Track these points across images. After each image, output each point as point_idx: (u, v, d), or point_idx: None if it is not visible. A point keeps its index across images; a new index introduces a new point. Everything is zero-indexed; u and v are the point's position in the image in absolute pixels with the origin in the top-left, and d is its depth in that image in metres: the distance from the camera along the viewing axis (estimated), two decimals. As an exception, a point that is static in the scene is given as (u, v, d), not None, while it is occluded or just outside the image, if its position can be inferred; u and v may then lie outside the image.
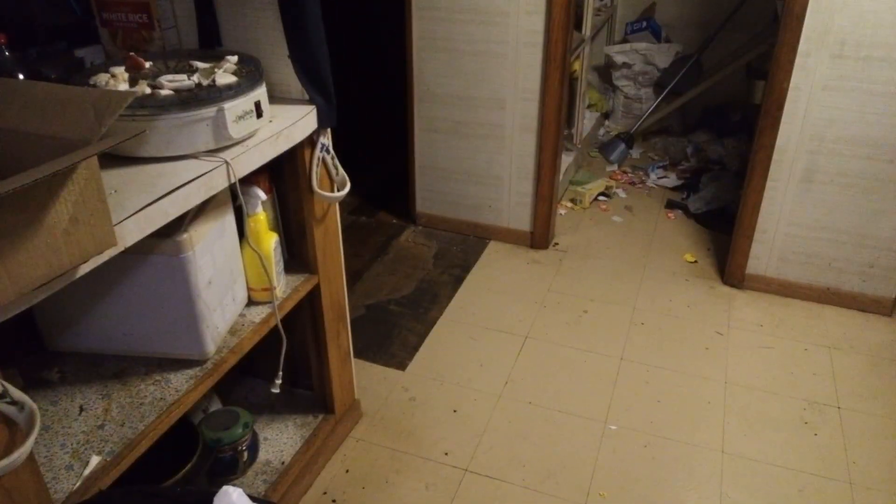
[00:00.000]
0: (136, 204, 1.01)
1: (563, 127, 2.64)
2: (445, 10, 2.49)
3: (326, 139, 1.49)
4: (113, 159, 1.13)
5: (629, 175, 3.44)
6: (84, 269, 0.91)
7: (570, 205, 3.14)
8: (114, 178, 1.09)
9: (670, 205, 3.16)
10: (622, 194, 3.27)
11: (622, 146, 3.59)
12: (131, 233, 0.98)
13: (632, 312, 2.43)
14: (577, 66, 3.11)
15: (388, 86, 3.37)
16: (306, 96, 1.42)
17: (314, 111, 1.42)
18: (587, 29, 3.12)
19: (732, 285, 2.57)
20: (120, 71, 1.25)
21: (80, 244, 0.86)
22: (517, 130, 2.62)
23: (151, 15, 1.44)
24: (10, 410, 0.90)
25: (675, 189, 3.29)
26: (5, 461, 0.87)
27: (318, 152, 1.47)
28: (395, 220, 3.04)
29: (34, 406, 0.90)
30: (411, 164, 2.86)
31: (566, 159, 3.18)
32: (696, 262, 2.73)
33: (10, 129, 0.90)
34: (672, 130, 3.83)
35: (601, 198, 3.21)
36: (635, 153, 3.67)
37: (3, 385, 0.88)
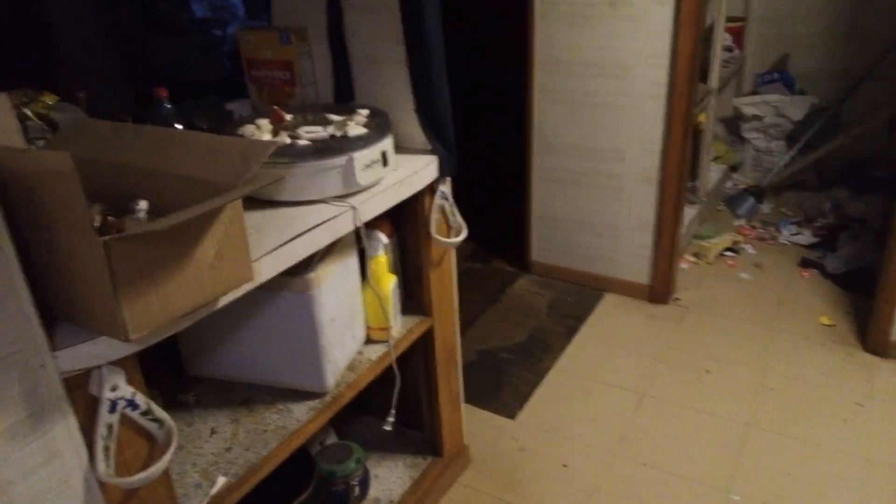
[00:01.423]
0: (272, 243, 1.09)
1: (685, 179, 2.57)
2: (566, 63, 2.52)
3: (446, 187, 1.55)
4: (254, 202, 1.24)
5: (759, 230, 3.27)
6: (224, 300, 0.99)
7: (693, 259, 3.03)
8: (253, 219, 1.18)
9: (805, 263, 2.97)
10: (751, 250, 3.11)
11: (751, 200, 3.44)
12: (266, 269, 1.07)
13: (760, 376, 2.28)
14: (702, 117, 3.03)
15: (507, 135, 3.43)
16: (429, 146, 1.49)
17: (436, 161, 1.48)
18: (714, 80, 3.05)
19: (875, 353, 2.36)
20: (264, 122, 1.37)
21: (222, 278, 0.95)
22: (637, 181, 2.58)
23: (294, 73, 1.58)
24: (152, 427, 0.98)
25: (810, 247, 3.09)
26: (144, 474, 0.95)
27: (437, 200, 1.53)
28: (509, 268, 3.06)
29: (173, 425, 0.98)
30: (528, 212, 2.88)
31: (689, 212, 3.09)
32: (833, 325, 2.54)
33: (169, 172, 1.01)
34: (807, 185, 3.62)
35: (728, 253, 3.07)
36: (766, 208, 3.50)
37: (148, 403, 0.97)
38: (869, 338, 2.37)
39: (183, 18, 4.78)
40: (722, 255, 3.06)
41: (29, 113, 1.44)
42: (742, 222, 3.36)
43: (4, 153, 0.87)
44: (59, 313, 0.90)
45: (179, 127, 1.47)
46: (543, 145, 2.72)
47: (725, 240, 3.09)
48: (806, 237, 3.16)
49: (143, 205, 0.95)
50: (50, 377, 0.86)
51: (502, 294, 2.86)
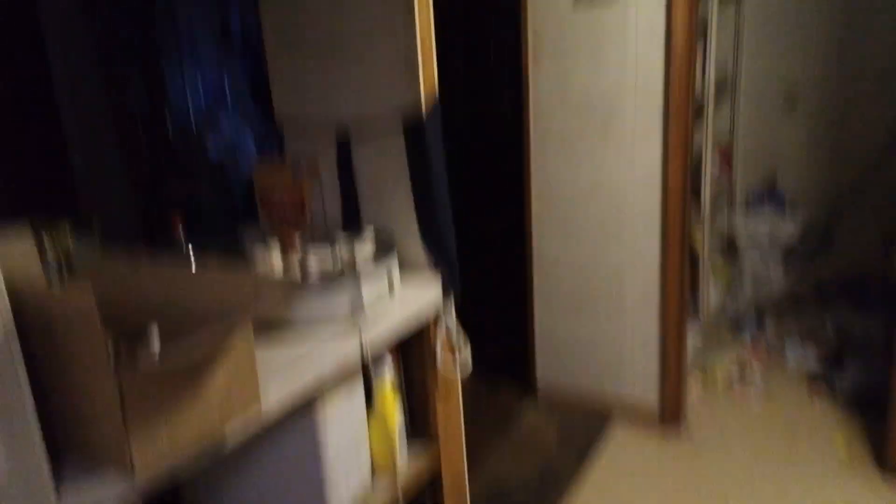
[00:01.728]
0: (280, 368, 1.10)
1: (686, 299, 2.60)
2: (560, 187, 2.63)
3: (451, 310, 1.57)
4: (261, 326, 1.25)
5: (764, 350, 3.26)
6: (232, 429, 0.98)
7: (700, 379, 3.00)
8: (261, 343, 1.19)
9: (813, 385, 2.93)
10: (758, 370, 3.08)
11: (753, 320, 3.45)
12: (274, 395, 1.06)
13: (778, 506, 2.19)
14: (698, 237, 3.11)
15: (509, 255, 3.50)
16: (433, 266, 1.53)
17: (440, 279, 1.52)
18: (706, 201, 3.15)
19: (894, 475, 2.28)
20: (275, 247, 1.41)
21: (230, 405, 0.95)
22: (638, 301, 2.61)
23: (304, 201, 1.65)
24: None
25: (816, 367, 3.07)
26: None
27: (442, 321, 1.55)
28: (515, 389, 3.02)
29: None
30: (531, 332, 2.89)
31: (693, 332, 3.09)
32: (848, 450, 2.47)
33: (181, 301, 1.04)
34: (808, 303, 3.64)
35: (735, 373, 3.04)
36: (769, 327, 3.50)
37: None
38: (887, 461, 2.31)
39: (196, 151, 5.02)
40: (729, 375, 3.03)
41: (46, 241, 1.48)
42: (746, 342, 3.36)
43: (27, 290, 0.90)
44: (69, 448, 0.89)
45: (192, 254, 1.51)
46: (543, 266, 2.77)
47: (731, 359, 3.08)
48: (812, 357, 3.14)
49: (155, 336, 0.97)
50: (51, 518, 0.84)
51: (508, 419, 2.81)
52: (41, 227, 1.48)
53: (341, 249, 1.38)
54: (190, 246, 1.54)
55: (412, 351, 1.57)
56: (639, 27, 2.31)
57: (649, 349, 2.63)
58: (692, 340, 2.99)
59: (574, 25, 2.44)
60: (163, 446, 0.85)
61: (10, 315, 0.79)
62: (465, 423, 1.73)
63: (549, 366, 2.89)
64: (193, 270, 1.11)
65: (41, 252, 1.38)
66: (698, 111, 2.91)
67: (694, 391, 2.90)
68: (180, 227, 1.53)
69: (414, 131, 1.44)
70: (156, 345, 0.95)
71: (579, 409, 2.82)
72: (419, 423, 1.62)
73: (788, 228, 3.62)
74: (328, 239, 1.49)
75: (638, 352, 2.66)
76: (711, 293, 3.47)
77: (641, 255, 2.56)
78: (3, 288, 0.79)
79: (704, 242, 3.21)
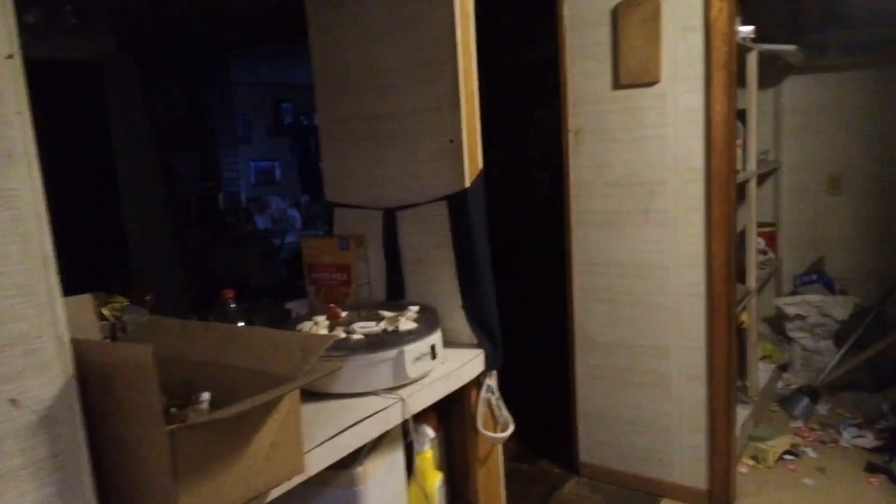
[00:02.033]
0: (324, 435, 1.12)
1: (734, 377, 2.53)
2: (603, 265, 2.64)
3: (492, 381, 1.57)
4: (307, 394, 1.28)
5: (818, 432, 3.12)
6: (274, 493, 1.00)
7: (751, 462, 2.87)
8: (306, 410, 1.21)
9: (871, 468, 2.78)
10: (812, 453, 2.94)
11: (806, 400, 3.32)
12: (317, 461, 1.08)
13: None
14: (744, 316, 3.05)
15: (550, 332, 3.48)
16: (476, 341, 1.54)
17: (482, 354, 1.53)
18: (752, 281, 3.11)
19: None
20: (321, 319, 1.46)
21: (275, 469, 0.96)
22: (684, 380, 2.55)
23: (350, 275, 1.70)
24: None
25: (873, 450, 2.91)
26: None
27: (483, 393, 1.55)
28: (557, 469, 2.94)
29: None
30: (573, 410, 2.83)
31: (742, 412, 2.99)
32: (916, 539, 2.31)
33: (232, 365, 1.07)
34: (863, 385, 3.49)
35: (788, 456, 2.91)
36: (822, 409, 3.36)
37: None
38: (960, 554, 2.15)
39: (246, 229, 5.24)
40: (781, 458, 2.90)
41: (105, 313, 1.56)
42: (799, 423, 3.22)
43: (88, 345, 0.95)
44: (113, 498, 0.92)
45: (242, 324, 1.57)
46: (585, 343, 2.74)
47: (784, 442, 2.94)
48: (868, 440, 2.98)
49: (205, 396, 1.00)
50: (99, 573, 0.86)
51: (550, 498, 2.72)
52: (100, 298, 1.57)
53: (386, 322, 1.42)
54: (240, 317, 1.60)
55: (453, 415, 1.56)
56: (678, 107, 2.37)
57: (696, 428, 2.54)
58: (741, 420, 2.89)
59: (613, 106, 2.51)
60: (210, 502, 0.87)
61: (73, 370, 0.84)
62: (507, 499, 1.70)
63: (592, 444, 2.81)
64: (244, 336, 1.15)
65: (100, 319, 1.45)
66: (740, 191, 2.93)
67: (744, 471, 2.77)
68: (231, 299, 1.59)
69: (458, 202, 1.50)
70: (207, 406, 0.99)
71: (624, 489, 2.71)
72: (460, 491, 1.59)
73: (839, 311, 3.53)
74: (373, 311, 1.52)
75: (685, 431, 2.58)
76: (760, 372, 3.37)
77: (687, 333, 2.52)
78: (68, 340, 0.84)
79: (752, 321, 3.15)
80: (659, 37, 2.34)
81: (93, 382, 0.88)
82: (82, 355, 0.86)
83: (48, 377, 0.81)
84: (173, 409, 0.99)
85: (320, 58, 1.71)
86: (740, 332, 2.95)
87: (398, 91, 1.57)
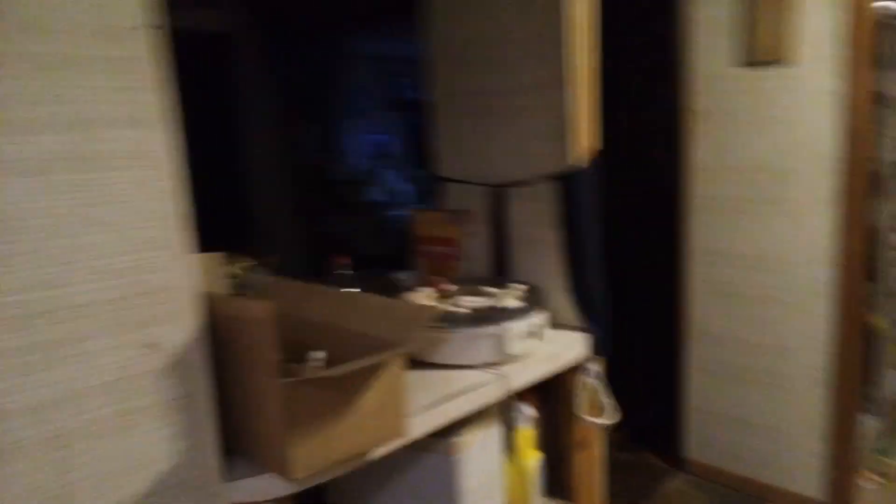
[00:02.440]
0: (426, 402, 1.15)
1: (860, 384, 2.35)
2: (724, 255, 2.51)
3: (597, 366, 1.55)
4: (411, 362, 1.31)
5: (957, 452, 2.85)
6: (377, 452, 1.04)
7: (875, 478, 2.67)
8: (410, 378, 1.25)
9: None
10: (948, 473, 2.69)
11: (945, 415, 3.03)
12: (418, 427, 1.11)
13: None
14: (876, 319, 2.82)
15: (660, 322, 3.37)
16: (582, 324, 1.52)
17: (588, 338, 1.51)
18: (887, 280, 2.86)
19: None
20: (428, 291, 1.49)
21: (379, 429, 1.00)
22: (805, 382, 2.40)
23: (458, 249, 1.72)
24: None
25: None
26: None
27: (586, 378, 1.53)
28: (660, 463, 2.86)
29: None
30: (683, 405, 2.74)
31: (868, 422, 2.77)
32: None
33: (344, 328, 1.12)
34: None
35: (918, 473, 2.68)
36: (964, 426, 3.06)
37: (294, 546, 1.00)
38: None
39: (360, 201, 5.40)
40: (912, 475, 2.67)
41: (232, 271, 1.67)
42: (935, 440, 2.95)
43: (217, 298, 1.02)
44: (233, 445, 0.99)
45: (357, 290, 1.63)
46: (699, 336, 2.64)
47: (915, 458, 2.71)
48: None
49: (320, 355, 1.05)
50: (218, 506, 0.93)
51: (653, 492, 2.65)
52: (228, 257, 1.68)
53: (491, 298, 1.42)
54: (353, 284, 1.66)
55: (553, 397, 1.56)
56: (812, 89, 2.20)
57: (815, 435, 2.39)
58: (866, 430, 2.68)
59: (740, 86, 2.37)
60: (317, 454, 0.92)
61: (203, 320, 0.91)
62: (606, 488, 1.67)
63: (700, 441, 2.71)
64: (357, 301, 1.20)
65: (227, 276, 1.55)
66: (876, 182, 2.69)
67: (867, 486, 2.58)
68: (345, 266, 1.66)
69: (570, 181, 1.47)
70: (319, 364, 1.04)
71: (730, 489, 2.60)
72: (557, 479, 1.59)
73: None
74: (479, 286, 1.53)
75: (802, 436, 2.43)
76: (891, 380, 3.11)
77: (811, 333, 2.37)
78: (200, 293, 0.90)
79: (884, 325, 2.90)
80: (795, 12, 2.17)
81: (219, 332, 0.95)
82: (212, 307, 0.93)
83: (182, 325, 0.88)
84: (291, 365, 1.04)
85: (438, 32, 1.72)
86: (870, 336, 2.72)
87: (515, 66, 1.56)
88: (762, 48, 2.26)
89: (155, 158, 0.85)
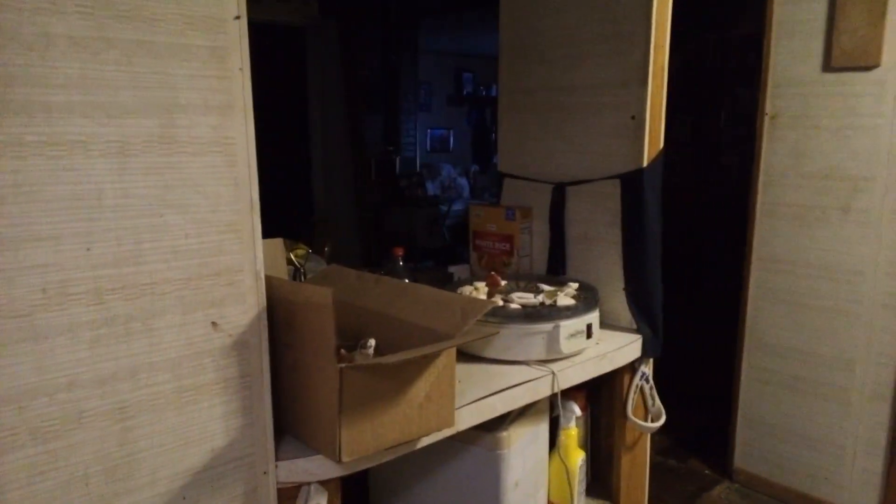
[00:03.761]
0: (474, 395, 1.16)
1: (930, 404, 2.25)
2: (789, 263, 2.43)
3: (648, 369, 1.53)
4: (461, 355, 1.33)
5: None
6: (424, 441, 1.06)
7: (938, 502, 2.55)
8: (460, 370, 1.26)
9: None
10: None
11: None
12: (465, 419, 1.12)
13: None
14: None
15: (717, 327, 3.30)
16: (635, 326, 1.50)
17: (640, 340, 1.49)
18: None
19: None
20: (481, 285, 1.50)
21: (427, 419, 1.02)
22: (867, 398, 2.30)
23: (513, 245, 1.72)
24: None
25: None
26: None
27: (637, 380, 1.51)
28: (707, 471, 2.80)
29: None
30: (734, 414, 2.67)
31: (935, 445, 2.65)
32: None
33: (398, 318, 1.14)
34: None
35: None
36: None
37: (340, 527, 1.03)
38: None
39: (417, 193, 5.45)
40: (980, 504, 2.54)
41: (290, 257, 1.72)
42: None
43: (278, 283, 1.06)
44: (284, 426, 1.02)
45: (408, 281, 1.65)
46: (756, 345, 2.56)
47: (985, 486, 2.58)
48: None
49: (372, 342, 1.08)
50: (269, 484, 0.97)
51: (697, 499, 2.60)
52: (286, 244, 1.73)
53: (544, 295, 1.42)
54: (407, 275, 1.69)
55: (602, 397, 1.55)
56: (894, 96, 2.11)
57: (874, 451, 2.30)
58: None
59: (820, 90, 2.28)
60: (367, 440, 0.94)
61: (265, 303, 0.94)
62: (650, 493, 1.66)
63: (751, 451, 2.64)
64: (411, 292, 1.22)
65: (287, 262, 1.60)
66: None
67: (931, 516, 2.47)
68: (400, 257, 1.68)
69: (633, 181, 1.46)
70: (372, 351, 1.06)
71: (777, 501, 2.53)
72: (601, 480, 1.58)
73: None
74: (532, 283, 1.54)
75: (860, 452, 2.33)
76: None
77: (877, 347, 2.27)
78: (263, 276, 0.94)
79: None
80: (885, 16, 2.08)
81: (278, 315, 0.99)
82: (272, 291, 0.96)
83: (244, 307, 0.92)
84: (343, 350, 1.07)
85: (509, 26, 1.72)
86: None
87: (585, 64, 1.54)
88: (848, 53, 2.17)
89: (231, 145, 0.88)
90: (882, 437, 2.30)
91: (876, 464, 2.33)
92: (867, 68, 2.16)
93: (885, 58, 2.12)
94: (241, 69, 0.87)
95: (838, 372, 2.37)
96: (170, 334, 0.87)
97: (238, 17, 0.86)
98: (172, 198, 0.85)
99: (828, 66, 2.24)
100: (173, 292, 0.86)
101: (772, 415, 2.56)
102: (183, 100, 0.84)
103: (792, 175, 2.40)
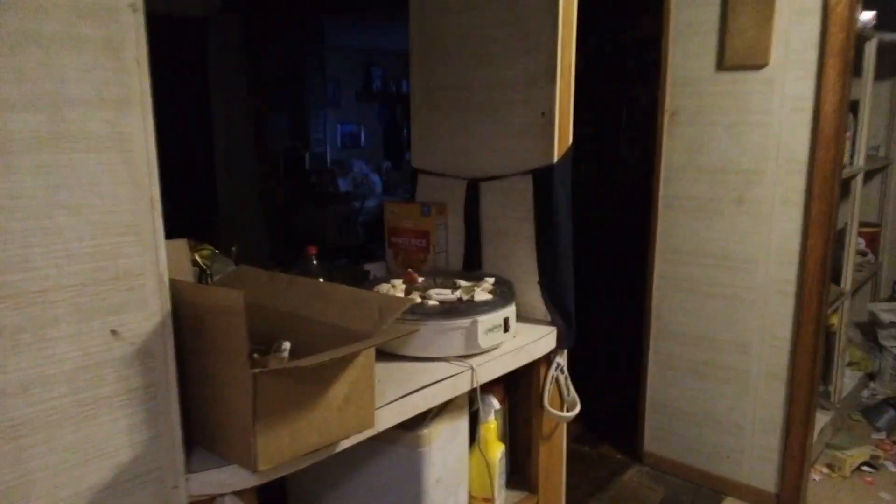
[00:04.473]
0: (394, 394, 1.14)
1: (817, 381, 2.42)
2: (689, 253, 2.55)
3: (563, 359, 1.56)
4: (379, 354, 1.30)
5: (901, 446, 2.95)
6: (345, 444, 1.03)
7: (826, 470, 2.75)
8: (379, 370, 1.24)
9: (959, 490, 2.62)
10: (892, 467, 2.79)
11: (892, 412, 3.14)
12: (386, 419, 1.11)
13: None
14: (835, 319, 2.90)
15: (623, 316, 3.42)
16: (549, 318, 1.53)
17: (554, 332, 1.52)
18: (847, 283, 2.95)
19: None
20: (398, 283, 1.48)
21: (347, 421, 1.00)
22: (763, 378, 2.46)
23: (430, 241, 1.72)
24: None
25: (965, 471, 2.74)
26: None
27: (553, 371, 1.54)
28: (619, 455, 2.91)
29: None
30: (642, 399, 2.78)
31: (822, 417, 2.86)
32: None
33: (313, 318, 1.11)
34: (959, 403, 3.27)
35: (865, 468, 2.77)
36: (909, 422, 3.17)
37: (258, 538, 0.99)
38: None
39: (329, 191, 5.36)
40: (859, 469, 2.76)
41: (195, 259, 1.64)
42: (881, 436, 3.05)
43: (183, 286, 1.00)
44: (196, 437, 0.97)
45: (322, 280, 1.61)
46: (661, 331, 2.68)
47: (863, 453, 2.80)
48: (960, 460, 2.80)
49: (287, 345, 1.04)
50: (180, 498, 0.92)
51: (610, 483, 2.70)
52: (190, 244, 1.65)
53: (461, 291, 1.42)
54: (321, 274, 1.65)
55: (519, 389, 1.57)
56: (785, 94, 2.25)
57: (771, 429, 2.46)
58: (820, 425, 2.76)
59: (714, 88, 2.40)
60: (284, 446, 0.91)
61: (169, 308, 0.89)
62: (566, 482, 1.70)
63: (658, 435, 2.76)
64: (326, 292, 1.19)
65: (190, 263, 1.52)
66: (845, 187, 2.76)
67: (817, 479, 2.66)
68: (314, 256, 1.64)
69: (544, 177, 1.48)
70: (287, 354, 1.03)
71: (687, 482, 2.66)
72: (520, 471, 1.60)
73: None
74: (449, 279, 1.53)
75: (758, 431, 2.49)
76: (846, 378, 3.21)
77: (771, 331, 2.42)
78: (167, 280, 0.89)
79: (842, 325, 2.99)
80: (772, 19, 2.21)
81: (185, 321, 0.93)
82: (178, 295, 0.91)
83: (147, 313, 0.86)
84: (256, 355, 1.03)
85: (418, 24, 1.71)
86: (828, 335, 2.81)
87: (494, 61, 1.55)
88: (739, 53, 2.30)
89: (128, 141, 0.82)
90: (778, 416, 2.46)
91: (773, 441, 2.49)
92: (756, 68, 2.29)
93: (773, 57, 2.25)
94: (137, 61, 0.82)
95: (736, 355, 2.52)
96: (64, 344, 0.80)
97: (133, 6, 0.80)
98: (64, 198, 0.78)
99: (721, 65, 2.37)
100: (67, 299, 0.80)
101: (677, 399, 2.68)
102: (74, 93, 0.77)
103: (690, 169, 2.52)
